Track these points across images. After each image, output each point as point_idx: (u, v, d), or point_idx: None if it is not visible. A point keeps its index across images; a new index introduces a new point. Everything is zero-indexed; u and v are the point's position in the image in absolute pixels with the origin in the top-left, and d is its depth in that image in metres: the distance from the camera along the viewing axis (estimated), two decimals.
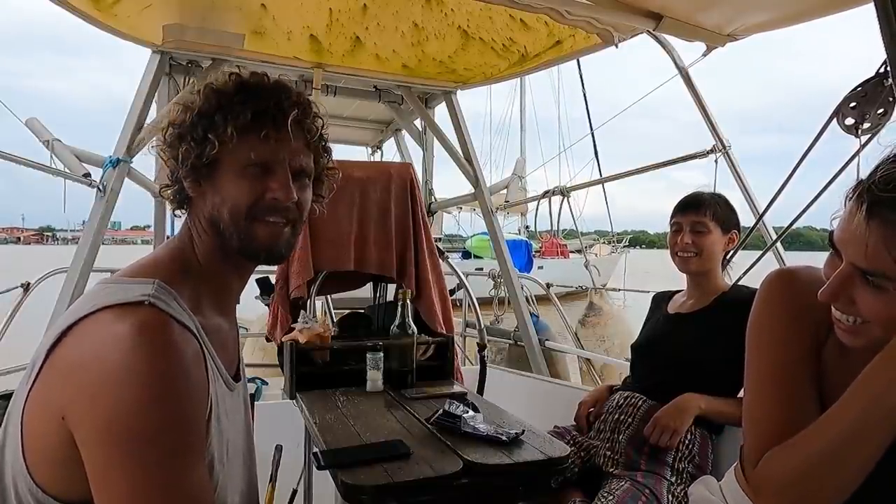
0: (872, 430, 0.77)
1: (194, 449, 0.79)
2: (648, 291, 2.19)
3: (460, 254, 20.15)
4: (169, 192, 0.97)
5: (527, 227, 20.72)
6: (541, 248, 19.86)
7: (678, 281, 1.89)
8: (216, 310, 0.97)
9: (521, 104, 29.68)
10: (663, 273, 1.85)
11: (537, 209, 4.17)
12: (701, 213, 1.75)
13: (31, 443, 0.78)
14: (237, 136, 0.89)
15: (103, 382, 0.73)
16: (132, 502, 0.72)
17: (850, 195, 0.80)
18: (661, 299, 1.94)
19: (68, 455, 0.74)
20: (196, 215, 0.96)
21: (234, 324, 1.05)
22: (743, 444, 0.97)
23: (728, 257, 1.82)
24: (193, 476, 0.77)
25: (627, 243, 20.47)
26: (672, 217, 1.83)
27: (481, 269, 4.99)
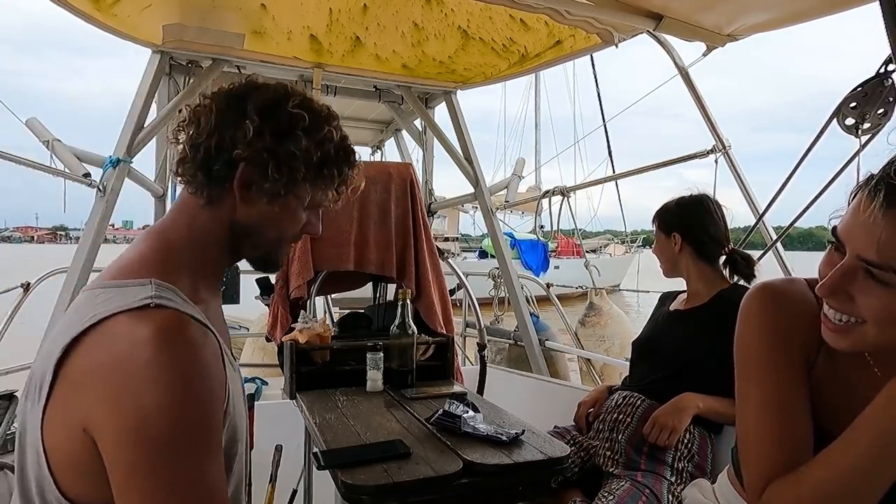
0: (883, 464, 0.76)
1: (214, 445, 0.79)
2: (649, 291, 2.20)
3: (477, 253, 20.01)
4: (199, 176, 0.89)
5: (541, 227, 20.68)
6: (556, 247, 19.78)
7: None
8: (209, 294, 0.96)
9: (535, 103, 29.66)
10: None
11: (538, 210, 4.17)
12: (654, 224, 1.88)
13: (55, 456, 0.77)
14: (327, 188, 0.98)
15: (126, 386, 0.73)
16: (157, 500, 0.73)
17: (856, 190, 0.77)
18: (667, 298, 1.96)
19: (94, 465, 0.75)
20: (222, 210, 0.93)
21: (220, 303, 1.05)
22: (743, 470, 0.94)
23: (728, 256, 1.82)
24: (214, 472, 0.78)
25: (641, 243, 20.43)
26: None
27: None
